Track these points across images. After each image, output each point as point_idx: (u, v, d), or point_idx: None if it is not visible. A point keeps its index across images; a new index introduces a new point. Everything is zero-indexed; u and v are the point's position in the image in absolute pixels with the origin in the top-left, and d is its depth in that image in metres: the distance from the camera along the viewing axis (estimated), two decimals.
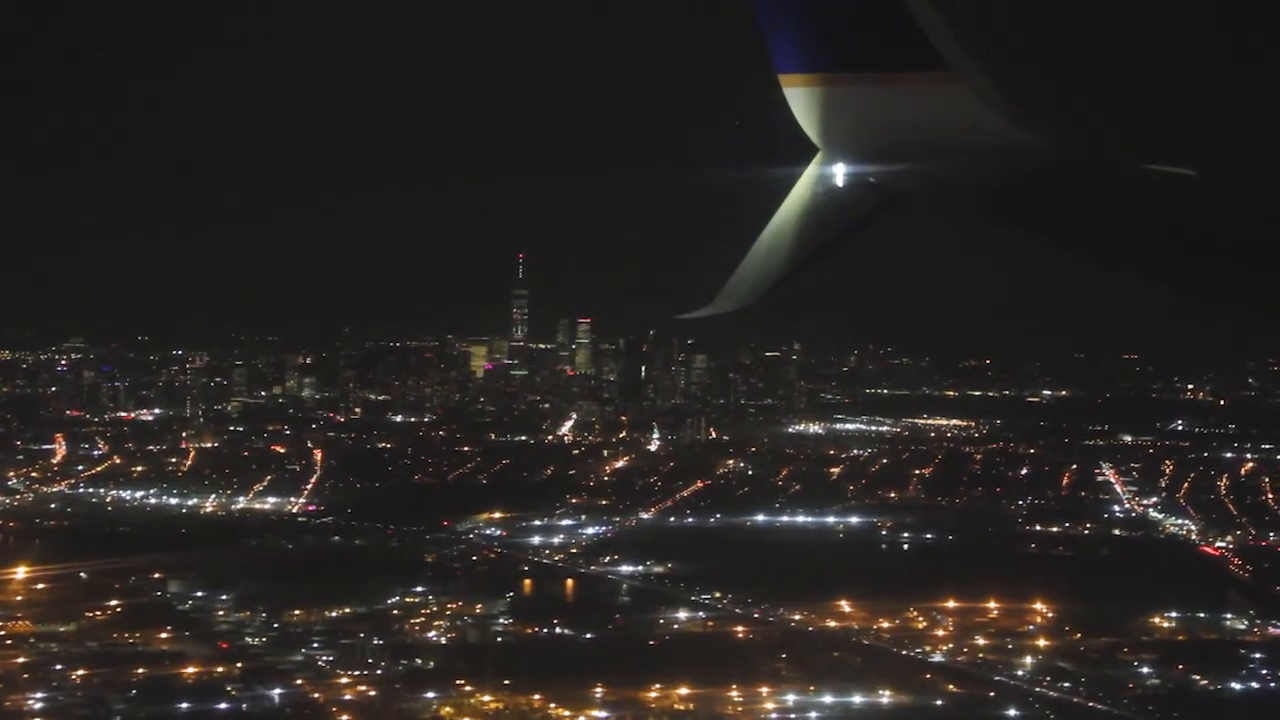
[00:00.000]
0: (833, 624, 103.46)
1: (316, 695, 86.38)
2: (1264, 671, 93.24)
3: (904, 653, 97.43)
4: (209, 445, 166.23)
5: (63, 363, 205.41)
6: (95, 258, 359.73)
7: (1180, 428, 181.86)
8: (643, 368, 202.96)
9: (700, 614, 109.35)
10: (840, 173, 13.29)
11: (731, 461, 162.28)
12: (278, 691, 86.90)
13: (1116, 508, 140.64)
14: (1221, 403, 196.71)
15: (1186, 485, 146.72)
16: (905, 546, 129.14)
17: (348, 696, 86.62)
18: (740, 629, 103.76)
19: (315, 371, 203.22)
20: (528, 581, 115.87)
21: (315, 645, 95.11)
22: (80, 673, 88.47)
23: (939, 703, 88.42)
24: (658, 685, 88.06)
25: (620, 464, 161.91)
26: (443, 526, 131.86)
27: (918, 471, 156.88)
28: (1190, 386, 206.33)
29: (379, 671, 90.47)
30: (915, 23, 12.49)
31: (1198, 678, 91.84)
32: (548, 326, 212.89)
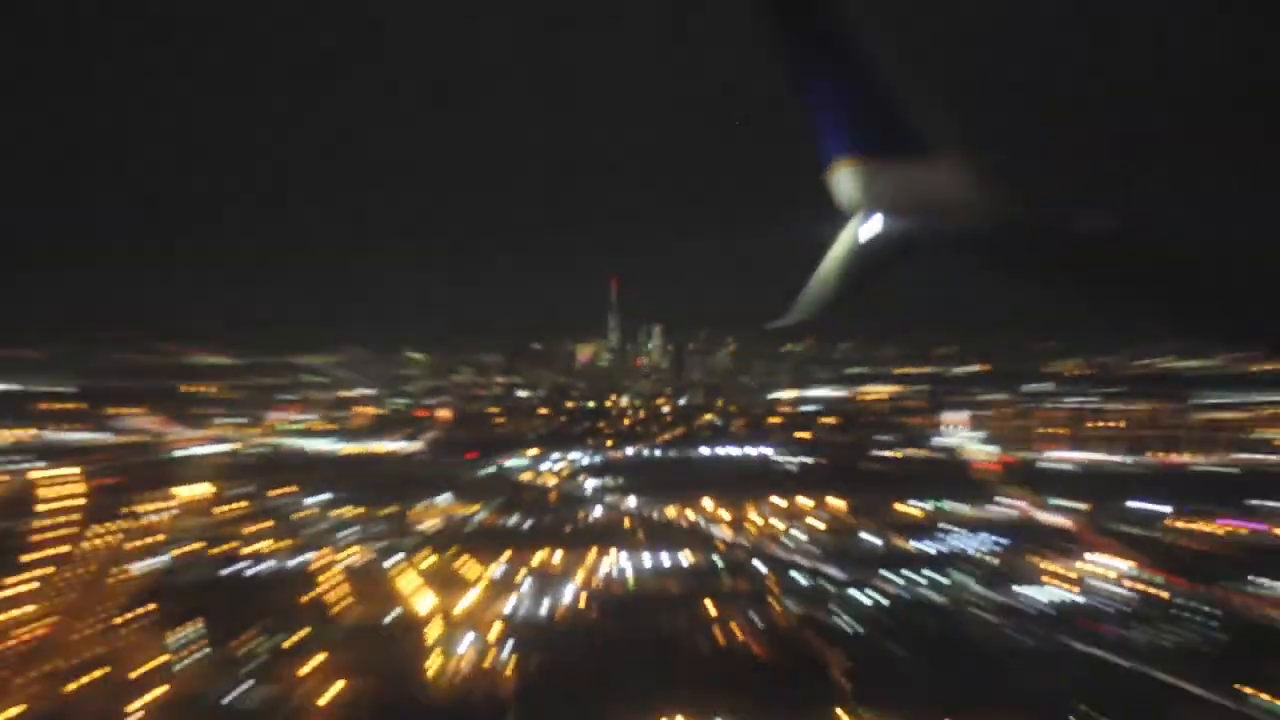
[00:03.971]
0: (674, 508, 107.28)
1: None
2: (964, 538, 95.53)
3: (710, 529, 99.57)
4: (377, 413, 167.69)
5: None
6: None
7: (1042, 388, 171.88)
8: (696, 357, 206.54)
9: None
10: (870, 225, 12.84)
11: (709, 415, 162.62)
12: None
13: (945, 438, 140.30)
14: (1091, 373, 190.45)
15: (1004, 425, 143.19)
16: (784, 463, 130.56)
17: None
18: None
19: (477, 364, 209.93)
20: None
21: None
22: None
23: (718, 560, 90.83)
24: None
25: (632, 421, 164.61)
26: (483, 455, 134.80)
27: (827, 420, 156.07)
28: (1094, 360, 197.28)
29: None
30: (922, 124, 12.37)
31: (902, 542, 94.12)
32: (635, 331, 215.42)
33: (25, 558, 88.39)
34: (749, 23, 12.35)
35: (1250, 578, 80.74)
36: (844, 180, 12.58)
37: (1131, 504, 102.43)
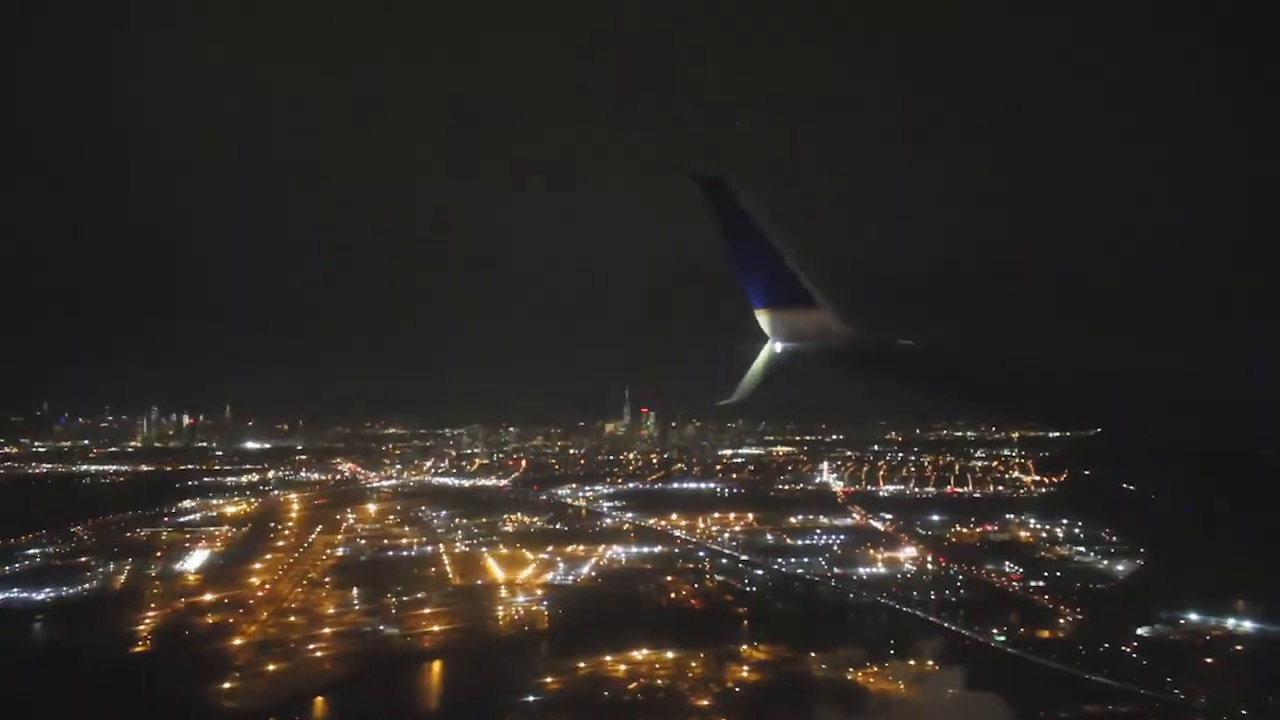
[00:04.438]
0: (653, 519, 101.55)
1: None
2: (823, 536, 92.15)
3: (675, 535, 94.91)
4: (483, 462, 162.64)
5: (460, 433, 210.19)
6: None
7: (876, 449, 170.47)
8: (674, 430, 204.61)
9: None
10: (779, 346, 12.45)
11: (679, 465, 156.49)
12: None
13: (818, 478, 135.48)
14: (903, 439, 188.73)
15: (855, 470, 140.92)
16: (721, 493, 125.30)
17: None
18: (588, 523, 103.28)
19: (541, 432, 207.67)
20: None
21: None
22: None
23: (666, 550, 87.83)
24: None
25: (633, 468, 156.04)
26: (538, 488, 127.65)
27: (750, 467, 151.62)
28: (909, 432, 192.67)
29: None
30: (806, 288, 12.06)
31: (791, 541, 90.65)
32: (638, 414, 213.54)
33: (265, 547, 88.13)
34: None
35: (1005, 562, 79.74)
36: (763, 320, 12.65)
37: (926, 517, 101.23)
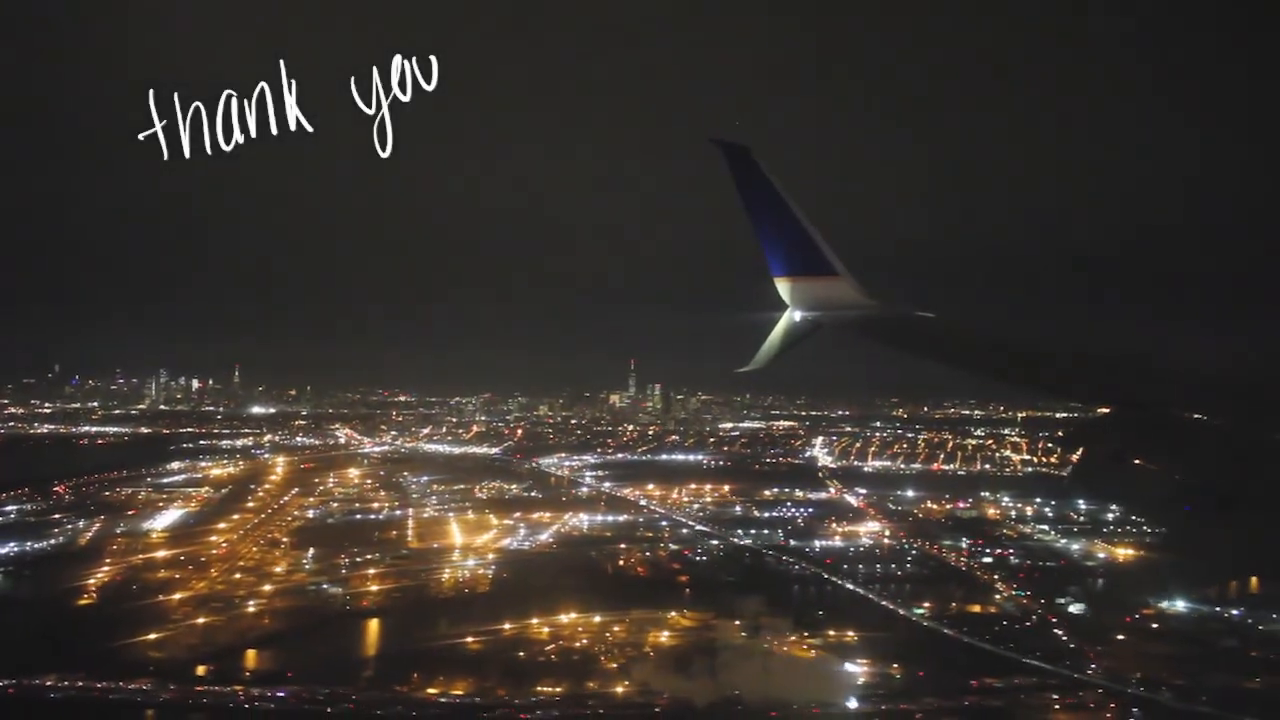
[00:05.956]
0: (628, 489, 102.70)
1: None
2: (792, 509, 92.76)
3: (645, 505, 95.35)
4: (478, 430, 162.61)
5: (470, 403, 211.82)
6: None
7: (878, 425, 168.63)
8: (679, 402, 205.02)
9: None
10: (798, 314, 12.53)
11: (673, 436, 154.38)
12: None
13: (808, 452, 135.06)
14: (906, 415, 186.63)
15: (848, 445, 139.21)
16: (706, 465, 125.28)
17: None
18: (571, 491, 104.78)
19: (546, 402, 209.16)
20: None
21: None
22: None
23: (631, 519, 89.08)
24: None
25: (627, 439, 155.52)
26: (526, 456, 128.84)
27: (743, 440, 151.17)
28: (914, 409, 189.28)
29: None
30: (827, 257, 12.23)
31: (758, 513, 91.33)
32: (645, 385, 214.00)
33: (237, 507, 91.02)
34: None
35: (963, 539, 79.94)
36: (782, 288, 12.76)
37: (901, 492, 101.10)
